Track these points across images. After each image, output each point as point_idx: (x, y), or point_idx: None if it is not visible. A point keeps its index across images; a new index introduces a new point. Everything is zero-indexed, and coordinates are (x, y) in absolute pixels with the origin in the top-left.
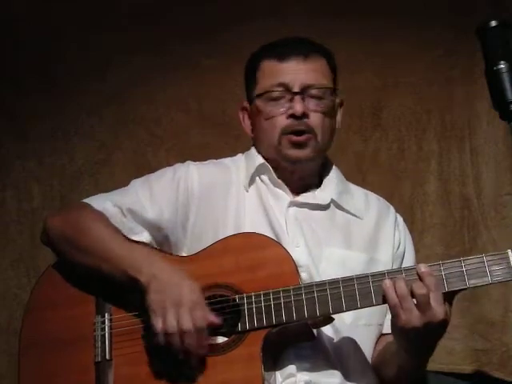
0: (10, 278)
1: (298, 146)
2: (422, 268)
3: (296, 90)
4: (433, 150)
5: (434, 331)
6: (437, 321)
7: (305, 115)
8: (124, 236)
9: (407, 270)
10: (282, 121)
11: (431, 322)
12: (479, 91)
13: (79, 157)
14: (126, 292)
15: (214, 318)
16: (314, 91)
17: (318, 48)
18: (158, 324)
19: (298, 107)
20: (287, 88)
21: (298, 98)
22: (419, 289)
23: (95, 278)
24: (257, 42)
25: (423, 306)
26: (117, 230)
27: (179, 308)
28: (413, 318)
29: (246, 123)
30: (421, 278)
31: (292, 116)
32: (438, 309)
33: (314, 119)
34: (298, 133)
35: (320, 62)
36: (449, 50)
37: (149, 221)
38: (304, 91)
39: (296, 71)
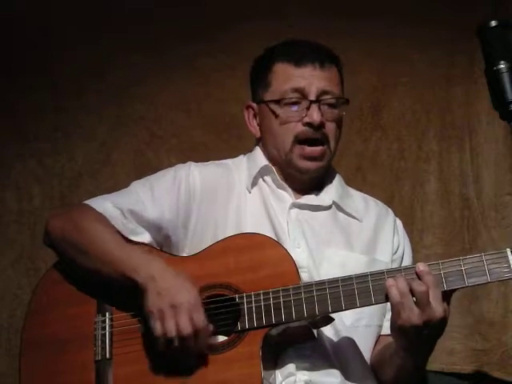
0: (10, 278)
1: (312, 158)
2: (421, 267)
3: (312, 97)
4: (433, 150)
5: (433, 329)
6: (436, 319)
7: (321, 125)
8: (123, 238)
9: (407, 268)
10: (297, 127)
11: (431, 320)
12: (479, 91)
13: (79, 157)
14: (126, 292)
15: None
16: (329, 99)
17: (331, 56)
18: (157, 327)
19: (315, 116)
20: (303, 93)
21: (315, 106)
22: (418, 286)
23: (96, 279)
24: (257, 42)
25: (423, 303)
26: (116, 232)
27: (177, 311)
28: (412, 315)
29: (252, 123)
30: (419, 277)
31: (308, 124)
32: (437, 307)
33: (329, 129)
34: (313, 143)
35: (334, 71)
36: (449, 50)
37: (150, 221)
38: (320, 98)
39: (312, 76)
